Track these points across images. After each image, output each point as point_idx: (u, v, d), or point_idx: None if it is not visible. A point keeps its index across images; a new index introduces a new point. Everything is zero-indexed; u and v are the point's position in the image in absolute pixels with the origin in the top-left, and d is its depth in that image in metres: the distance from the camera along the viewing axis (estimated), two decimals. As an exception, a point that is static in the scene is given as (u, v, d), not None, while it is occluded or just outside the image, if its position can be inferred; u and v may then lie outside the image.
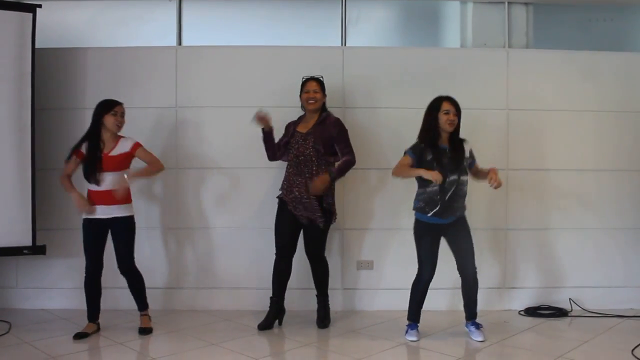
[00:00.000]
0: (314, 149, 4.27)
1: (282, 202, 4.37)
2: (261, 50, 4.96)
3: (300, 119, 4.48)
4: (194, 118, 4.93)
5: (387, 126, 4.89)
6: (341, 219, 4.85)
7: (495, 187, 3.90)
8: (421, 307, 4.15)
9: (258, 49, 4.97)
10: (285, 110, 4.57)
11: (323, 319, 4.39)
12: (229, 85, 4.92)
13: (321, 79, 4.43)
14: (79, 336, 4.11)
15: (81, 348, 3.95)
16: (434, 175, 3.80)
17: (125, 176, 4.16)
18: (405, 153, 4.06)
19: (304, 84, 4.41)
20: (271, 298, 4.38)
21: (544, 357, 3.74)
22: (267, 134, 4.36)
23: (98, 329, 4.27)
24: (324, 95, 4.42)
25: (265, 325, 4.30)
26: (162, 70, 4.97)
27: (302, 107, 4.45)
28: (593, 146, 4.99)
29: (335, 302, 4.81)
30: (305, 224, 4.29)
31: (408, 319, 4.15)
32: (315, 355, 3.85)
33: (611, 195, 4.99)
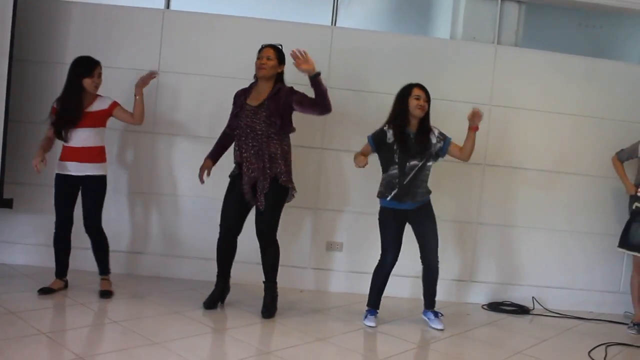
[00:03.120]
0: (266, 124, 3.97)
1: (234, 178, 4.14)
2: (249, 22, 4.89)
3: (250, 89, 4.14)
4: (175, 84, 4.86)
5: (369, 109, 4.87)
6: (315, 199, 4.86)
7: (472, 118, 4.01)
8: (382, 294, 4.17)
9: (246, 21, 4.90)
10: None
11: (269, 307, 4.09)
12: (212, 54, 4.85)
13: (280, 47, 4.10)
14: (44, 291, 4.09)
15: (41, 305, 3.90)
16: (359, 162, 3.94)
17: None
18: (368, 139, 4.11)
19: (259, 50, 4.09)
20: (217, 277, 4.23)
21: (501, 352, 3.78)
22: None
23: (66, 286, 4.25)
24: (280, 65, 4.08)
25: (210, 304, 4.14)
26: (147, 32, 4.88)
27: (255, 77, 4.13)
28: (570, 149, 5.03)
29: (303, 281, 4.84)
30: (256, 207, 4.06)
31: (368, 304, 4.17)
32: (279, 331, 3.84)
33: (583, 200, 5.05)
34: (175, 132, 4.87)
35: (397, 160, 4.01)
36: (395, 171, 4.00)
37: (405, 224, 4.11)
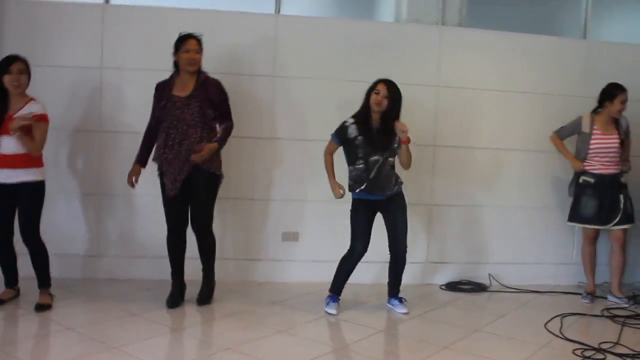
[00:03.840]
0: (199, 114, 3.98)
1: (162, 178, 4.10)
2: (192, 14, 4.76)
3: (172, 80, 4.10)
4: (119, 80, 4.74)
5: (315, 97, 4.85)
6: (267, 190, 4.83)
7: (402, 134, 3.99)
8: (346, 281, 4.18)
9: (188, 12, 4.78)
10: (213, 77, 4.45)
11: (204, 296, 4.17)
12: (156, 48, 4.67)
13: (200, 37, 4.09)
14: None
15: (-6, 316, 3.77)
16: (336, 194, 4.10)
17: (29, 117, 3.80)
18: (331, 136, 4.11)
19: (182, 41, 4.03)
20: (172, 274, 4.20)
21: (462, 330, 3.84)
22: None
23: (17, 295, 4.11)
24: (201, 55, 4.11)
25: (173, 303, 4.09)
26: (87, 28, 4.73)
27: (175, 67, 4.10)
28: (520, 127, 5.11)
29: (259, 273, 4.83)
30: (192, 194, 4.07)
31: (330, 290, 4.17)
32: (239, 325, 3.80)
33: (533, 175, 5.14)
34: (122, 129, 4.74)
35: (360, 155, 4.01)
36: (362, 165, 4.01)
37: (375, 213, 4.12)
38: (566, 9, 5.49)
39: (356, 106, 4.11)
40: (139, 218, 4.82)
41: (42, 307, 3.92)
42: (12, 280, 4.09)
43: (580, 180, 4.61)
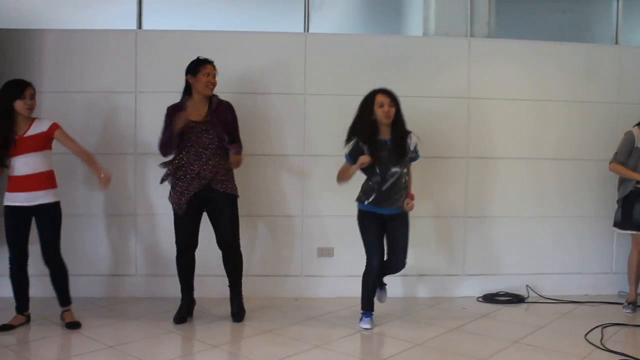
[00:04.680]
0: (217, 139, 4.07)
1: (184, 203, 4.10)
2: (222, 36, 4.88)
3: (183, 104, 4.13)
4: (153, 103, 4.83)
5: (346, 113, 4.80)
6: (300, 206, 4.86)
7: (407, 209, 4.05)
8: (374, 296, 4.18)
9: (219, 34, 4.89)
10: (245, 97, 4.54)
11: (238, 311, 4.23)
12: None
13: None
14: (4, 328, 3.93)
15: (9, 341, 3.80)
16: (362, 160, 3.90)
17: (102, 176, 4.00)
18: (345, 157, 4.09)
19: (203, 65, 4.10)
20: (182, 291, 4.25)
21: (500, 343, 3.79)
22: (175, 133, 4.05)
23: (28, 320, 4.12)
24: None
25: (180, 319, 4.15)
26: (121, 54, 4.87)
27: (187, 89, 4.17)
28: (554, 135, 5.06)
29: (295, 288, 4.85)
30: (212, 214, 4.16)
31: (362, 308, 4.16)
32: (275, 342, 3.82)
33: (571, 184, 5.08)
34: (148, 151, 4.75)
35: (378, 170, 3.99)
36: (378, 178, 4.00)
37: (383, 227, 4.11)
38: (596, 15, 5.45)
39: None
40: (162, 236, 4.88)
41: (73, 325, 4.02)
42: (23, 306, 4.09)
43: (633, 188, 4.49)
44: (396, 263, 4.14)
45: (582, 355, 3.55)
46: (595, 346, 3.68)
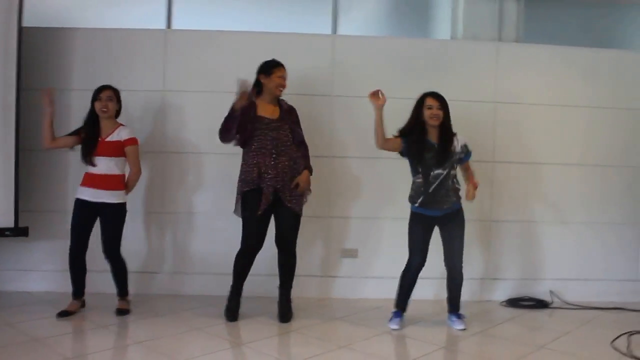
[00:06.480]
0: (291, 136, 4.23)
1: (250, 193, 4.14)
2: (250, 36, 4.92)
3: (253, 102, 4.20)
4: (181, 102, 4.91)
5: (373, 115, 4.86)
6: (327, 207, 4.88)
7: (468, 199, 4.06)
8: (409, 296, 4.18)
9: (247, 35, 4.93)
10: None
11: (285, 313, 4.26)
12: (215, 70, 4.87)
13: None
14: (63, 314, 4.14)
15: (63, 330, 3.92)
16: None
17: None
18: (397, 136, 4.10)
19: (276, 67, 4.21)
20: (233, 288, 4.26)
21: (524, 348, 3.78)
22: (237, 112, 4.06)
23: (83, 306, 4.32)
24: None
25: (232, 317, 4.20)
26: (150, 53, 4.93)
27: (257, 89, 4.22)
28: (580, 141, 5.03)
29: (318, 289, 4.88)
30: (278, 214, 4.20)
31: (395, 306, 4.18)
32: (299, 342, 3.85)
33: (597, 191, 5.04)
34: (184, 150, 4.90)
35: (420, 170, 4.04)
36: (420, 180, 4.03)
37: (432, 229, 4.12)
38: (627, 20, 5.40)
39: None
40: (198, 235, 4.94)
41: (122, 312, 4.27)
42: (79, 291, 4.29)
43: None
44: (453, 274, 4.13)
45: (610, 362, 3.53)
46: (622, 353, 3.65)
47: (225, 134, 4.15)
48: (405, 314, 4.19)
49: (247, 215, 4.17)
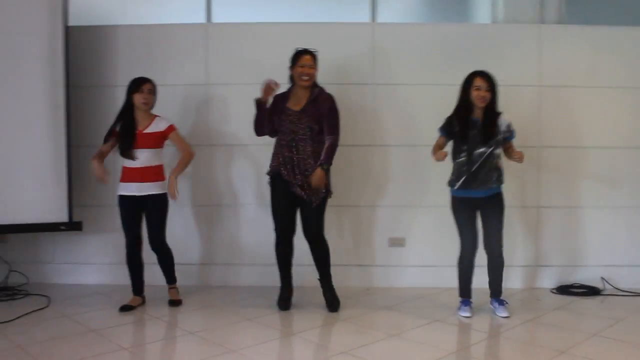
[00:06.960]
0: (308, 129, 4.16)
1: (274, 181, 4.25)
2: (289, 27, 4.92)
3: (289, 93, 4.28)
4: (224, 95, 4.95)
5: (417, 103, 4.87)
6: (372, 196, 4.89)
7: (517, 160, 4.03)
8: (470, 283, 4.18)
9: (286, 26, 4.93)
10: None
11: (332, 301, 4.27)
12: (257, 62, 4.87)
13: (315, 52, 4.25)
14: (125, 309, 4.23)
15: (118, 322, 4.02)
16: (437, 157, 3.97)
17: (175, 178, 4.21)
18: (439, 131, 4.12)
19: (298, 56, 4.20)
20: (282, 279, 4.34)
21: (577, 335, 3.74)
22: (263, 107, 4.21)
23: (143, 302, 4.40)
24: (317, 70, 4.26)
25: (285, 306, 4.28)
26: (192, 47, 4.98)
27: (291, 81, 4.27)
28: (627, 123, 4.90)
29: (367, 278, 4.88)
30: (302, 203, 4.21)
31: (460, 295, 4.20)
32: (350, 330, 3.88)
33: (646, 174, 4.93)
34: (229, 142, 4.95)
35: (464, 148, 4.02)
36: (464, 158, 4.01)
37: (476, 211, 4.10)
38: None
39: (458, 109, 4.10)
40: (247, 227, 5.00)
41: (174, 303, 4.38)
42: (139, 288, 4.37)
43: None
44: (492, 257, 4.10)
45: (667, 348, 3.47)
46: (679, 339, 3.59)
47: (255, 127, 4.30)
48: (472, 300, 4.20)
49: (273, 202, 4.27)
